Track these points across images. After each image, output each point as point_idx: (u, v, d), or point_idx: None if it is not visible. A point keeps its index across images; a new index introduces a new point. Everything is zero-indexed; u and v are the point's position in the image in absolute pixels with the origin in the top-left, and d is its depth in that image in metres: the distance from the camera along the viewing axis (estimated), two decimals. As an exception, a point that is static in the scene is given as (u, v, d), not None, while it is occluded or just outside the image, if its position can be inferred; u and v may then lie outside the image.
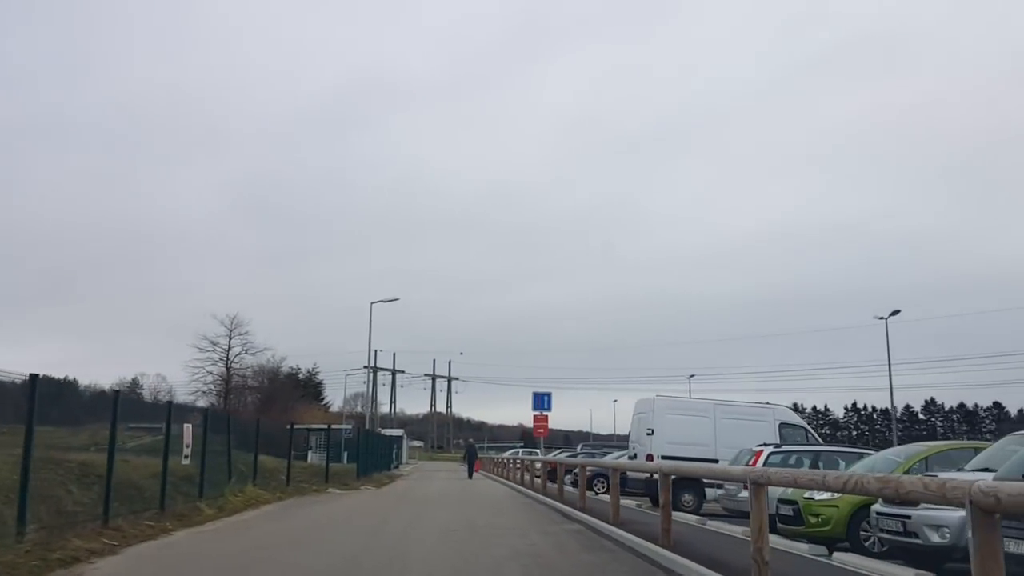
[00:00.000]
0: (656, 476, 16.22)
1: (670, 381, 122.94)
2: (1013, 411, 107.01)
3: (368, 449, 32.27)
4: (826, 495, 10.72)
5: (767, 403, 19.61)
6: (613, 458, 28.57)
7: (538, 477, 24.63)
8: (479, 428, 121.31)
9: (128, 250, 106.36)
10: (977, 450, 10.39)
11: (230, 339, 62.66)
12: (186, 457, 14.21)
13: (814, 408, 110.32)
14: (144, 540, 10.03)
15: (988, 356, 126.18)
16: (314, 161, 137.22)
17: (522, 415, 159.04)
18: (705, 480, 17.21)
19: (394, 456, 49.50)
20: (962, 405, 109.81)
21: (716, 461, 17.38)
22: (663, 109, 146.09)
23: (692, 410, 18.76)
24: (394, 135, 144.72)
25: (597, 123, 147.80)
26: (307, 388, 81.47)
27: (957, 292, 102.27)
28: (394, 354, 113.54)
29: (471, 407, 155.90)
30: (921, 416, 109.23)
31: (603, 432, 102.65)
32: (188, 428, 14.65)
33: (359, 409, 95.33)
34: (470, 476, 36.70)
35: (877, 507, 9.47)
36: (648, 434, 18.30)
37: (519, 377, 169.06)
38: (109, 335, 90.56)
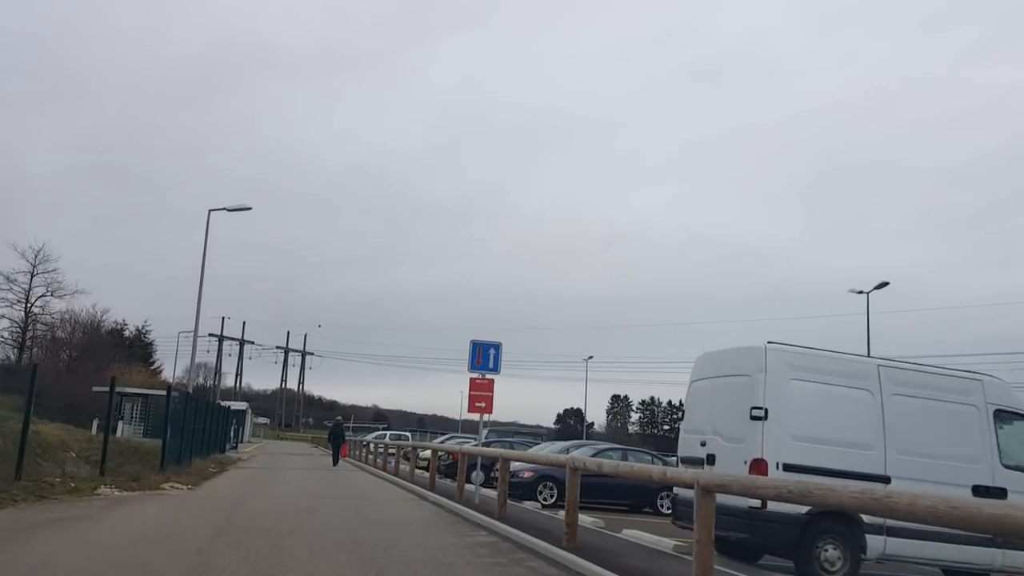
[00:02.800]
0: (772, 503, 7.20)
1: (545, 367, 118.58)
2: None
3: (192, 423, 21.77)
4: None
5: (972, 373, 10.60)
6: (556, 451, 19.56)
7: (449, 478, 15.33)
8: (331, 407, 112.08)
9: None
10: None
11: (32, 276, 49.82)
12: None
13: (669, 403, 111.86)
14: None
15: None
16: (179, 123, 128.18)
17: (377, 395, 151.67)
18: (867, 520, 8.39)
19: (233, 434, 39.58)
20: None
21: (888, 480, 8.61)
22: (540, 107, 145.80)
23: (840, 375, 9.05)
24: (264, 104, 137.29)
25: (475, 113, 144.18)
26: (133, 348, 68.64)
27: (788, 302, 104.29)
28: (244, 322, 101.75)
29: (323, 385, 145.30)
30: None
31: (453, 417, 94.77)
32: None
33: (201, 381, 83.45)
34: (335, 463, 29.85)
35: None
36: (755, 418, 9.02)
37: (380, 355, 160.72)
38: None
